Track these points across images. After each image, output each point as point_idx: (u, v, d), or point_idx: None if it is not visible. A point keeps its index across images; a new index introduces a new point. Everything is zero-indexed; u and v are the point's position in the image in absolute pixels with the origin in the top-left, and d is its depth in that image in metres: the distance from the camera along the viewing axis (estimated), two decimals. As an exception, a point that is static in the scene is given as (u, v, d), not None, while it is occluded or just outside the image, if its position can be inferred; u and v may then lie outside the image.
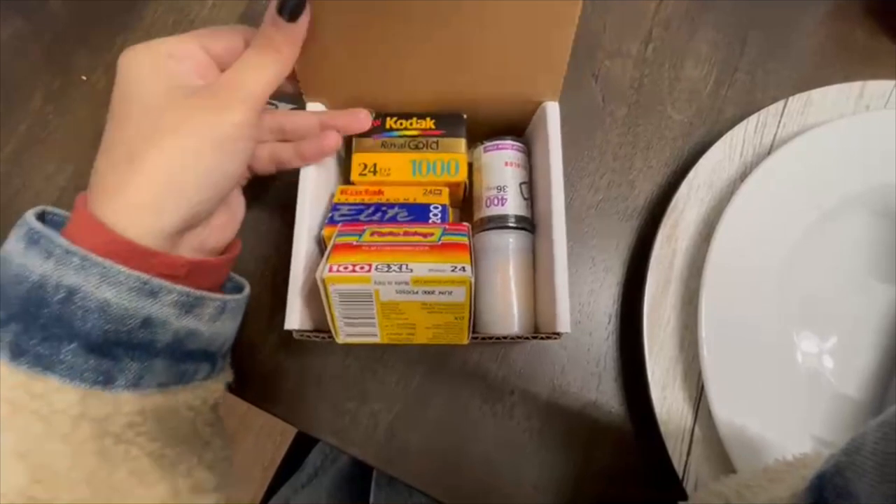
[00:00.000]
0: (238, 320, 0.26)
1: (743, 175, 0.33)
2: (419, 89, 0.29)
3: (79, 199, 0.21)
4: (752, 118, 0.35)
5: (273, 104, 0.36)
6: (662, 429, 0.30)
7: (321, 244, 0.28)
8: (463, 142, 0.30)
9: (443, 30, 0.27)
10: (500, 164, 0.31)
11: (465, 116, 0.31)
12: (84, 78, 0.38)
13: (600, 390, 0.32)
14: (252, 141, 0.24)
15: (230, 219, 0.27)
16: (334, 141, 0.27)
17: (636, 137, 0.37)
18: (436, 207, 0.29)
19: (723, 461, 0.29)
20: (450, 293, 0.23)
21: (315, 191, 0.29)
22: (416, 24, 0.27)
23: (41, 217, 0.23)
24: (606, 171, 0.36)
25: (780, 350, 0.31)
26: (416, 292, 0.23)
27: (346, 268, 0.23)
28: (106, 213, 0.20)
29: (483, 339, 0.27)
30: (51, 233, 0.20)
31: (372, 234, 0.26)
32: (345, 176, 0.32)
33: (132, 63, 0.22)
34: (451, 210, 0.30)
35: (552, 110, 0.29)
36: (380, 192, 0.30)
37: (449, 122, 0.31)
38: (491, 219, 0.30)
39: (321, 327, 0.27)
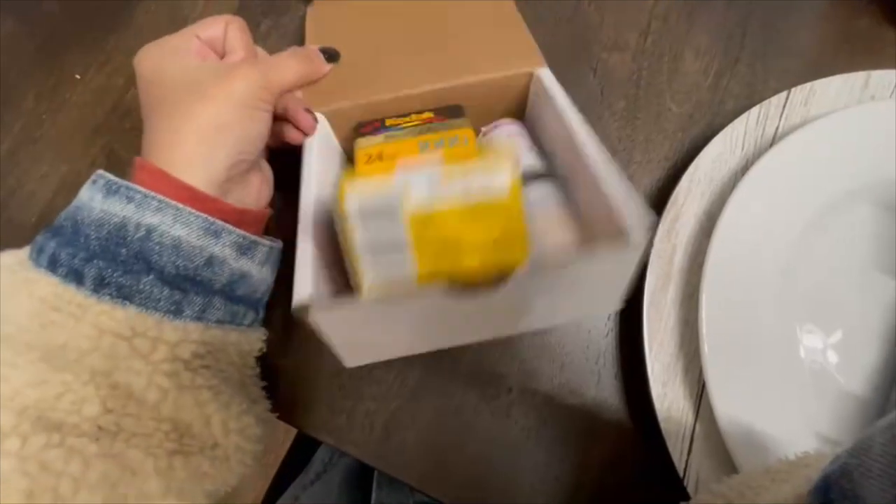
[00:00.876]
0: (275, 272, 0.28)
1: (744, 168, 0.33)
2: (413, 89, 0.29)
3: (137, 160, 0.24)
4: (754, 110, 0.34)
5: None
6: (663, 426, 0.29)
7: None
8: (467, 121, 0.30)
9: (417, 24, 0.29)
10: (503, 138, 0.30)
11: (462, 106, 0.30)
12: (78, 77, 0.37)
13: (599, 388, 0.32)
14: (269, 112, 0.27)
15: (264, 182, 0.29)
16: (298, 136, 0.30)
17: (635, 131, 0.36)
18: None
19: (724, 459, 0.28)
20: (491, 184, 0.19)
21: (320, 156, 0.28)
22: (396, 20, 0.29)
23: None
24: (605, 165, 0.35)
25: (783, 346, 0.30)
26: (452, 188, 0.18)
27: (366, 175, 0.19)
28: (165, 166, 0.23)
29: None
30: (129, 182, 0.23)
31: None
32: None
33: (150, 57, 0.26)
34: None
35: (545, 74, 0.29)
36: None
37: (448, 111, 0.30)
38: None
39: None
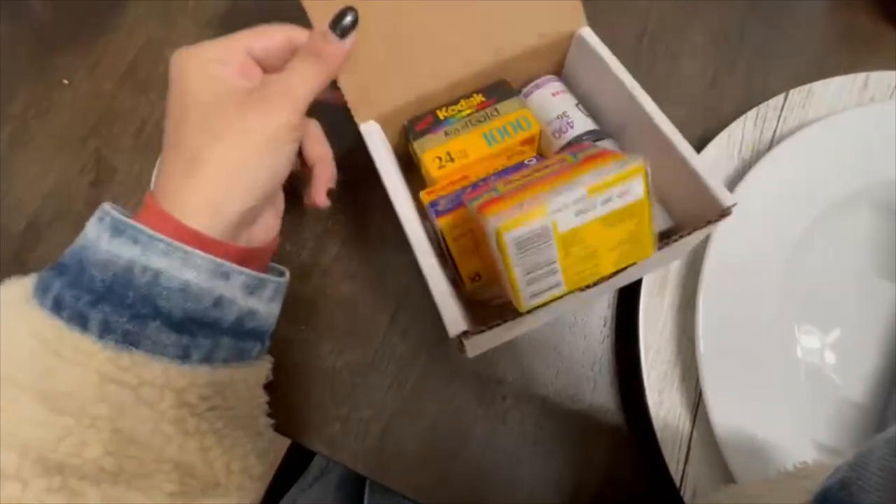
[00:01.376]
0: (281, 303, 0.27)
1: (742, 172, 0.32)
2: (456, 69, 0.29)
3: (147, 196, 0.23)
4: (752, 112, 0.34)
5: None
6: (659, 435, 0.29)
7: (436, 242, 0.26)
8: (518, 100, 0.29)
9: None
10: (548, 97, 0.31)
11: (506, 80, 0.30)
12: (66, 82, 0.37)
13: (595, 394, 0.32)
14: (296, 143, 0.25)
15: (275, 215, 0.28)
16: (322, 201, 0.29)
17: (632, 134, 0.36)
18: (530, 160, 0.28)
19: (721, 467, 0.28)
20: (627, 193, 0.20)
21: (390, 168, 0.27)
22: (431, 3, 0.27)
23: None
24: (601, 168, 0.35)
25: (781, 353, 0.30)
26: (595, 207, 0.20)
27: (514, 209, 0.20)
28: (173, 209, 0.22)
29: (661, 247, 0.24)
30: (135, 223, 0.22)
31: (506, 184, 0.24)
32: (414, 186, 0.29)
33: (183, 69, 0.24)
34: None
35: (587, 34, 0.29)
36: (465, 178, 0.28)
37: (495, 90, 0.30)
38: (565, 147, 0.29)
39: (478, 322, 0.24)
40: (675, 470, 0.29)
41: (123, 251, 0.21)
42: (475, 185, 0.27)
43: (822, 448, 0.28)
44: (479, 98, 0.30)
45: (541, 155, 0.30)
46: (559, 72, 0.33)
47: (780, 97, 0.34)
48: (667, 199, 0.28)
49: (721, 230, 0.30)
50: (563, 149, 0.25)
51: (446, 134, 0.29)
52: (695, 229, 0.24)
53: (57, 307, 0.21)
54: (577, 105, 0.31)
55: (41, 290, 0.22)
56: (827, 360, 0.31)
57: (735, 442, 0.27)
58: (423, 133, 0.29)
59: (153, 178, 0.33)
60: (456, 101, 0.30)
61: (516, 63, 0.30)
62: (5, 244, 0.34)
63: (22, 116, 0.36)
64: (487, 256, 0.23)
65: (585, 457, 0.31)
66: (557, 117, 0.30)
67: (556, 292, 0.22)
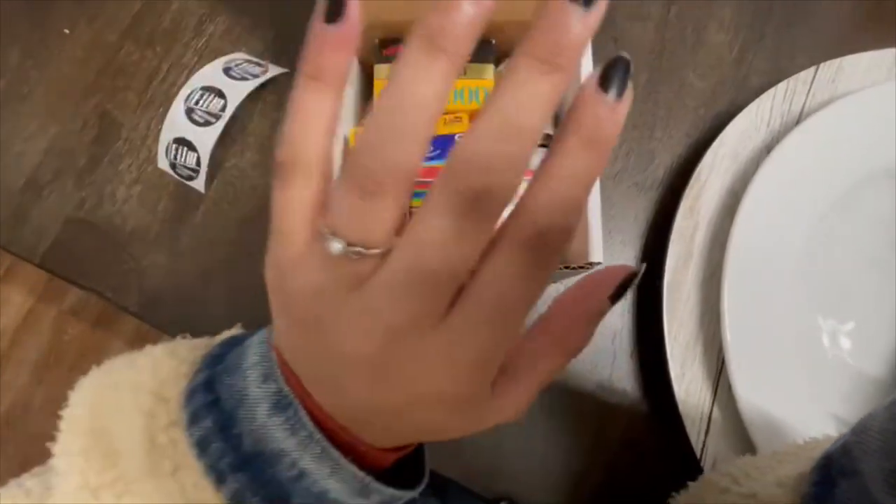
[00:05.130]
0: None
1: (770, 145, 0.32)
2: None
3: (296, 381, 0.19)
4: (781, 85, 0.33)
5: (261, 63, 0.33)
6: (681, 407, 0.29)
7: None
8: (491, 67, 0.28)
9: None
10: None
11: (493, 42, 0.29)
12: (67, 31, 0.35)
13: (615, 367, 0.31)
14: None
15: None
16: None
17: (656, 105, 0.35)
18: (460, 136, 0.27)
19: (741, 440, 0.28)
20: None
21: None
22: None
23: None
24: (625, 140, 0.34)
25: (805, 327, 0.30)
26: None
27: None
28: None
29: None
30: (300, 410, 0.19)
31: None
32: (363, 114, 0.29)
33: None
34: None
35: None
36: None
37: (477, 46, 0.28)
38: None
39: None
40: (695, 441, 0.28)
41: (278, 435, 0.19)
42: None
43: (843, 423, 0.28)
44: None
45: None
46: None
47: (811, 71, 0.33)
48: None
49: (748, 204, 0.30)
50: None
51: None
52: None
53: (201, 448, 0.19)
54: None
55: (191, 413, 0.19)
56: (849, 340, 0.31)
57: (758, 415, 0.27)
58: (388, 59, 0.29)
59: (160, 153, 0.31)
60: None
61: (514, 28, 0.28)
62: (4, 201, 0.33)
63: (20, 67, 0.34)
64: None
65: (602, 429, 0.31)
66: None
67: None
